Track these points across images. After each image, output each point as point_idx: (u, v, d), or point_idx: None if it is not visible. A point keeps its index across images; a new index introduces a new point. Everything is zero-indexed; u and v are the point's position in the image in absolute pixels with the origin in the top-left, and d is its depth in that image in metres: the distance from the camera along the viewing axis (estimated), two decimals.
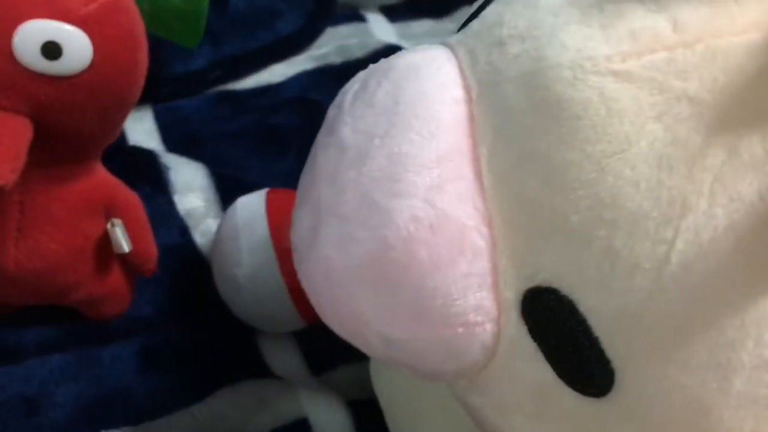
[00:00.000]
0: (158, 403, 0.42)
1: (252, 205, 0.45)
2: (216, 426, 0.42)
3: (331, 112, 0.27)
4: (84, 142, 0.39)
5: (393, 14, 0.70)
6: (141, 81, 0.39)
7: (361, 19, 0.69)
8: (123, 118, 0.40)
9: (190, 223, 0.50)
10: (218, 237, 0.45)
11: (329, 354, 0.46)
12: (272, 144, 0.57)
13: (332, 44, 0.65)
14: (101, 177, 0.42)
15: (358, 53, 0.65)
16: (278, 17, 0.64)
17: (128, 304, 0.45)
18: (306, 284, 0.26)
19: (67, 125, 0.37)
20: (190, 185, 0.52)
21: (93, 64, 0.35)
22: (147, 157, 0.53)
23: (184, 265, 0.48)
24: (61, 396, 0.41)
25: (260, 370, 0.45)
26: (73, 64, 0.35)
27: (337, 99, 0.27)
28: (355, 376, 0.45)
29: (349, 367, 0.46)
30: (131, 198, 0.43)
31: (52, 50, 0.34)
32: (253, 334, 0.47)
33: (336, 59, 0.64)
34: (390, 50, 0.64)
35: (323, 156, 0.25)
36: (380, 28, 0.69)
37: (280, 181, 0.48)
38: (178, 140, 0.56)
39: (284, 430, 0.43)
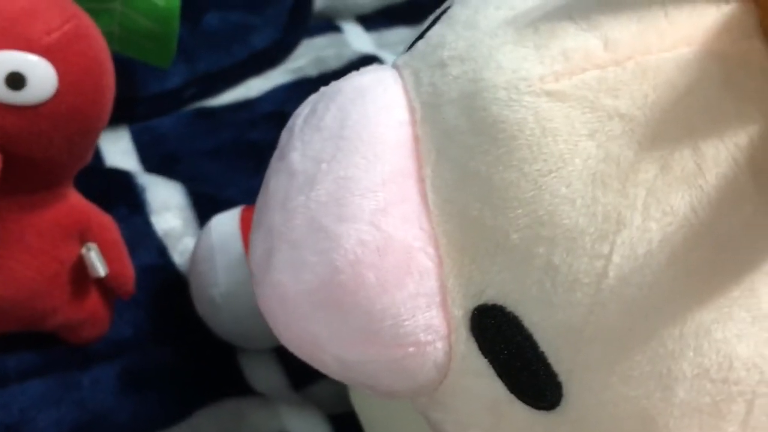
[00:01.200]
0: (140, 425, 0.42)
1: (226, 223, 0.45)
2: None
3: (283, 136, 0.27)
4: (54, 169, 0.39)
5: (369, 23, 0.70)
6: (108, 106, 0.39)
7: (337, 29, 0.69)
8: (92, 143, 0.40)
9: (168, 243, 0.50)
10: (194, 257, 0.45)
11: (309, 368, 0.46)
12: (250, 159, 0.57)
13: (308, 56, 0.65)
14: (74, 202, 0.42)
15: (334, 65, 0.65)
16: (252, 32, 0.64)
17: (107, 327, 0.45)
18: (263, 308, 0.26)
19: (35, 153, 0.37)
20: (166, 205, 0.52)
21: (58, 93, 0.35)
22: (122, 178, 0.53)
23: (164, 285, 0.48)
24: (42, 422, 0.41)
25: (241, 388, 0.45)
26: (38, 93, 0.35)
27: (289, 123, 0.27)
28: (335, 390, 0.45)
29: (328, 381, 0.45)
30: (105, 221, 0.43)
31: (16, 80, 0.34)
32: (233, 352, 0.47)
33: (312, 72, 0.64)
34: (365, 60, 0.65)
35: (275, 181, 0.26)
36: (356, 38, 0.69)
37: None
38: (155, 159, 0.56)
39: None
